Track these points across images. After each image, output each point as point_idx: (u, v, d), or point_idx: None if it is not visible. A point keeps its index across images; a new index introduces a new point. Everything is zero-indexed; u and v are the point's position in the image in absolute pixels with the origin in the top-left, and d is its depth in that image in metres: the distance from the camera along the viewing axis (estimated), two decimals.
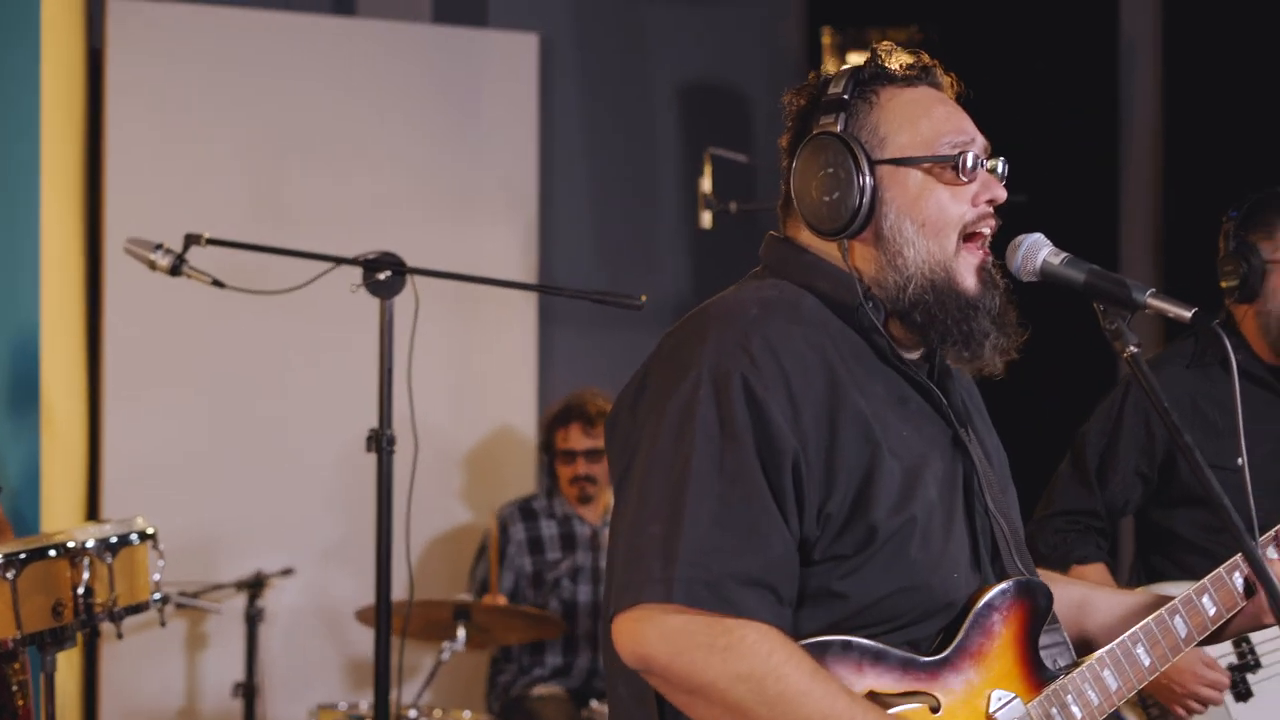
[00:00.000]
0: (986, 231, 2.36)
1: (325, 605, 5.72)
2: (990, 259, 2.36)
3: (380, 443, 3.80)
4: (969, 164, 2.33)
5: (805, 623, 2.24)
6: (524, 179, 6.16)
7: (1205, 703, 3.51)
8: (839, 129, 2.32)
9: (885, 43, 2.41)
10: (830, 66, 6.12)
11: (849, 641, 2.22)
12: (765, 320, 2.27)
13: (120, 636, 3.62)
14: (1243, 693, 3.59)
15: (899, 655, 2.25)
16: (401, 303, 3.82)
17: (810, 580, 2.24)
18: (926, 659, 2.26)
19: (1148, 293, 2.36)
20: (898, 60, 2.39)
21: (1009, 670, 2.32)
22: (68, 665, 5.14)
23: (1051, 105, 6.18)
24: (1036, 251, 2.42)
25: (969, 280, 2.32)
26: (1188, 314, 2.34)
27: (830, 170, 2.31)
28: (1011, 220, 5.52)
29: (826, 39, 6.06)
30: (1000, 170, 2.39)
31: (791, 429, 2.20)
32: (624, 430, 2.32)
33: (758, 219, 5.87)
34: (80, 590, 3.45)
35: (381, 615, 3.79)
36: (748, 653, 2.14)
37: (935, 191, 2.32)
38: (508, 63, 6.12)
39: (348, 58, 5.95)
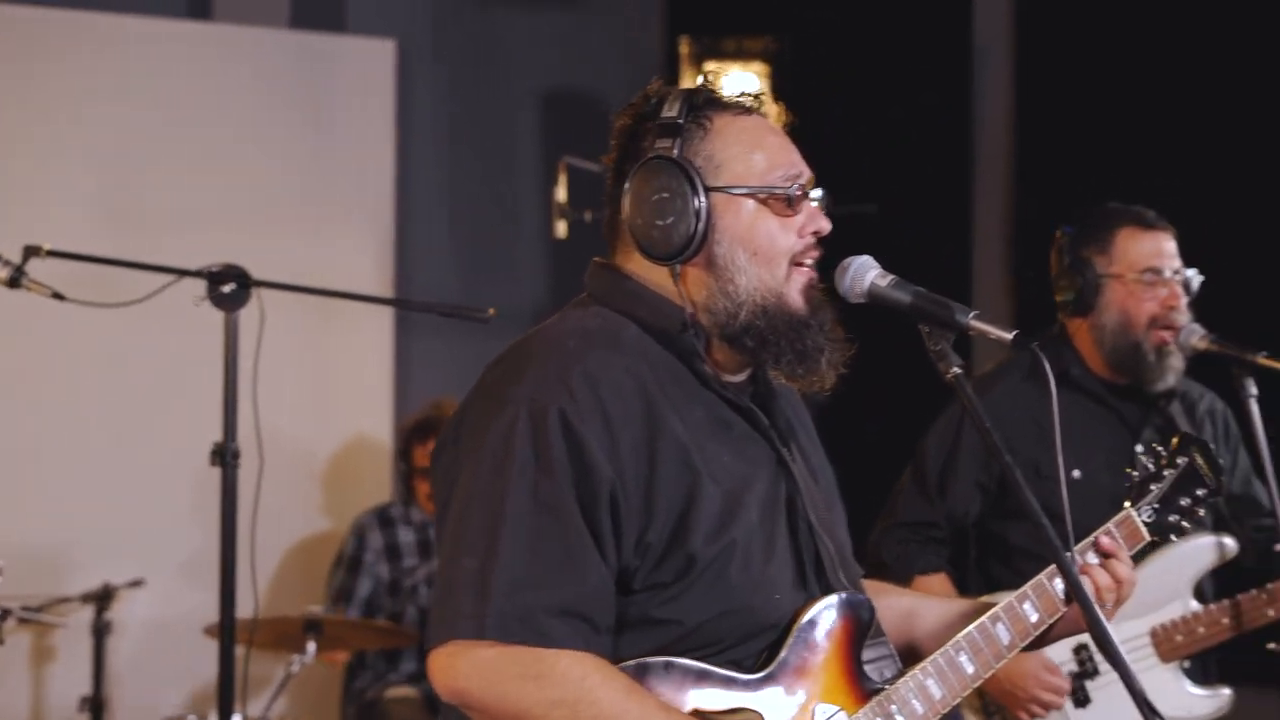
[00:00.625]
0: (810, 261, 2.41)
1: (175, 618, 5.64)
2: (816, 278, 2.41)
3: (224, 456, 3.78)
4: (798, 197, 2.38)
5: (628, 648, 2.27)
6: (380, 187, 6.13)
7: (1046, 707, 3.60)
8: (674, 153, 2.34)
9: (715, 67, 2.45)
10: (687, 75, 6.18)
11: (671, 663, 2.26)
12: (583, 352, 2.30)
13: None
14: (1082, 699, 3.68)
15: (722, 674, 2.28)
16: (253, 314, 3.80)
17: (631, 608, 2.28)
18: (749, 677, 2.30)
19: (970, 315, 2.40)
20: (730, 87, 2.42)
21: (834, 684, 2.36)
22: None
23: (904, 114, 6.25)
24: (864, 273, 2.46)
25: (799, 301, 2.36)
26: (1009, 336, 2.39)
27: (665, 195, 2.33)
28: (862, 229, 5.58)
29: (684, 48, 6.08)
30: (823, 202, 2.44)
31: (609, 461, 2.23)
32: (445, 463, 2.34)
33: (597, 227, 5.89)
34: None
35: (225, 629, 3.75)
36: (560, 679, 2.19)
37: (766, 222, 2.36)
38: (364, 69, 6.08)
39: (202, 64, 5.88)
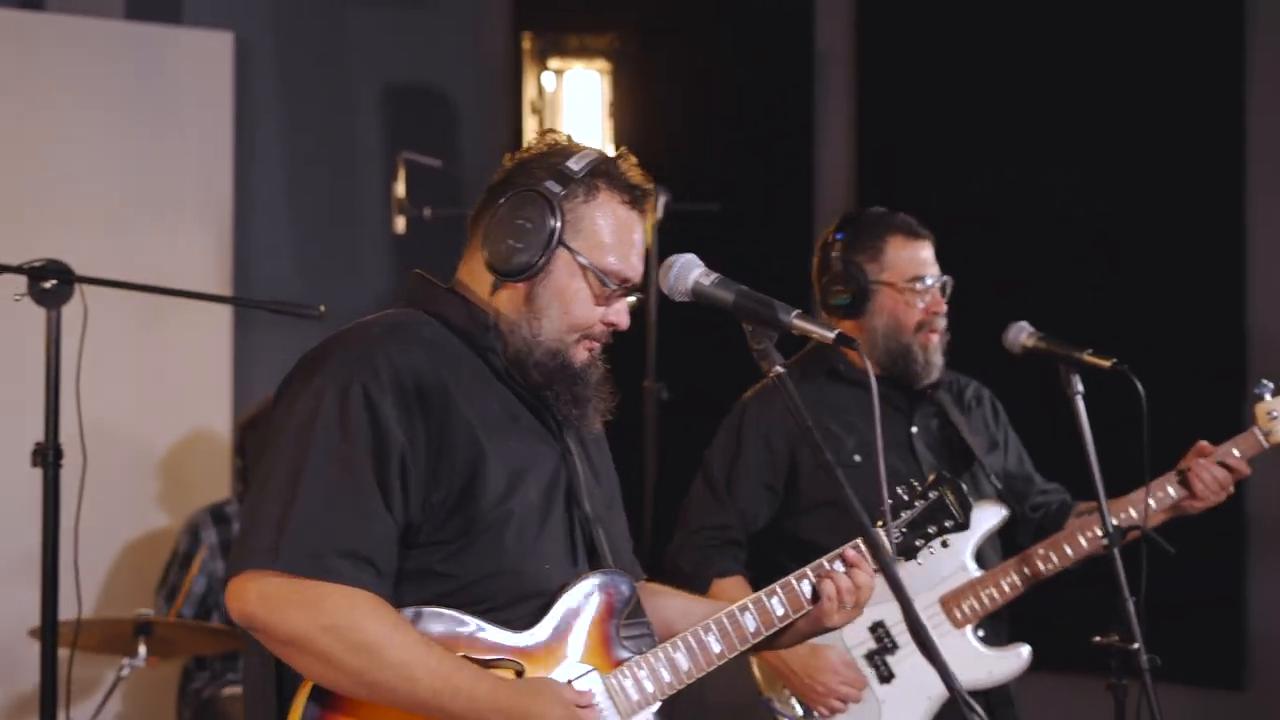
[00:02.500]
0: (598, 343, 2.76)
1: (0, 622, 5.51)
2: (598, 347, 2.77)
3: (46, 456, 3.71)
4: (617, 295, 2.73)
5: (408, 596, 2.58)
6: (218, 182, 6.03)
7: (846, 700, 3.81)
8: (557, 199, 2.67)
9: (627, 155, 2.77)
10: (530, 72, 6.17)
11: (441, 613, 2.58)
12: (387, 339, 2.64)
13: None
14: (885, 675, 3.89)
15: (489, 627, 2.61)
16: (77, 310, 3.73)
17: (414, 560, 2.59)
18: (514, 633, 2.63)
19: (794, 314, 2.52)
20: (630, 176, 2.74)
21: (591, 648, 2.70)
22: None
23: (747, 115, 6.29)
24: (688, 272, 2.62)
25: (579, 360, 2.73)
26: (831, 335, 2.50)
27: (528, 225, 2.67)
28: (705, 228, 5.62)
29: (527, 44, 6.07)
30: (633, 305, 2.78)
31: (402, 431, 2.56)
32: (257, 437, 2.69)
33: (454, 224, 5.85)
34: None
35: (47, 632, 3.68)
36: (333, 608, 2.49)
37: (585, 297, 2.71)
38: (202, 62, 5.99)
39: (34, 54, 5.74)
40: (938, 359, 4.00)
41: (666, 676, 2.74)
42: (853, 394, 3.98)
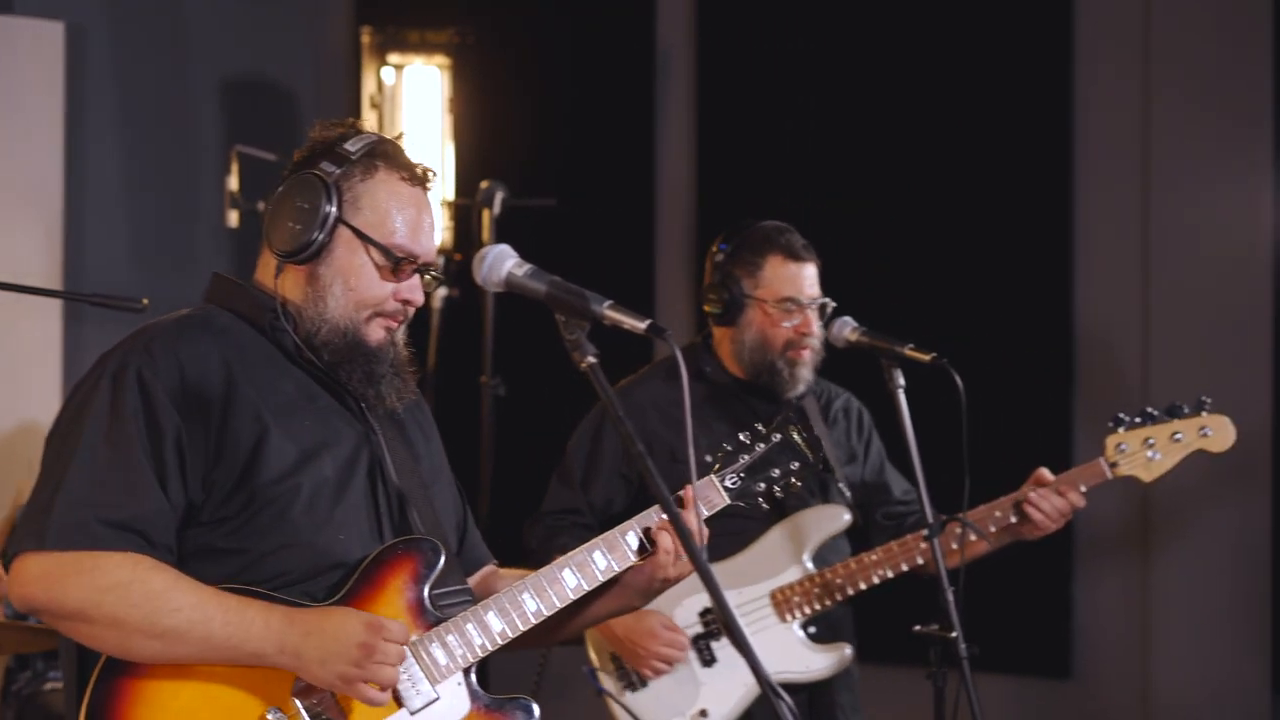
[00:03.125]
0: (398, 320, 2.77)
1: None
2: (398, 325, 2.77)
3: None
4: (405, 272, 2.74)
5: (197, 576, 2.56)
6: (48, 173, 5.91)
7: (667, 661, 3.95)
8: (332, 178, 2.70)
9: (403, 138, 2.79)
10: (370, 66, 6.13)
11: (233, 589, 2.57)
12: (171, 329, 2.68)
13: None
14: (708, 659, 4.02)
15: (285, 600, 2.60)
16: None
17: (199, 538, 2.61)
18: (312, 604, 2.60)
19: (606, 304, 2.55)
20: (408, 157, 2.77)
21: (396, 613, 2.65)
22: None
23: (588, 111, 6.30)
24: (501, 263, 2.63)
25: (373, 338, 2.74)
26: (643, 325, 2.53)
27: (305, 206, 2.70)
28: (545, 223, 5.62)
29: (366, 38, 6.03)
30: (434, 282, 2.80)
31: (179, 410, 2.58)
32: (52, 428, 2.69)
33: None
34: None
35: None
36: (110, 569, 2.50)
37: (370, 273, 2.73)
38: (31, 51, 5.86)
39: None
40: (805, 374, 4.10)
41: (478, 639, 2.70)
42: (714, 395, 4.12)
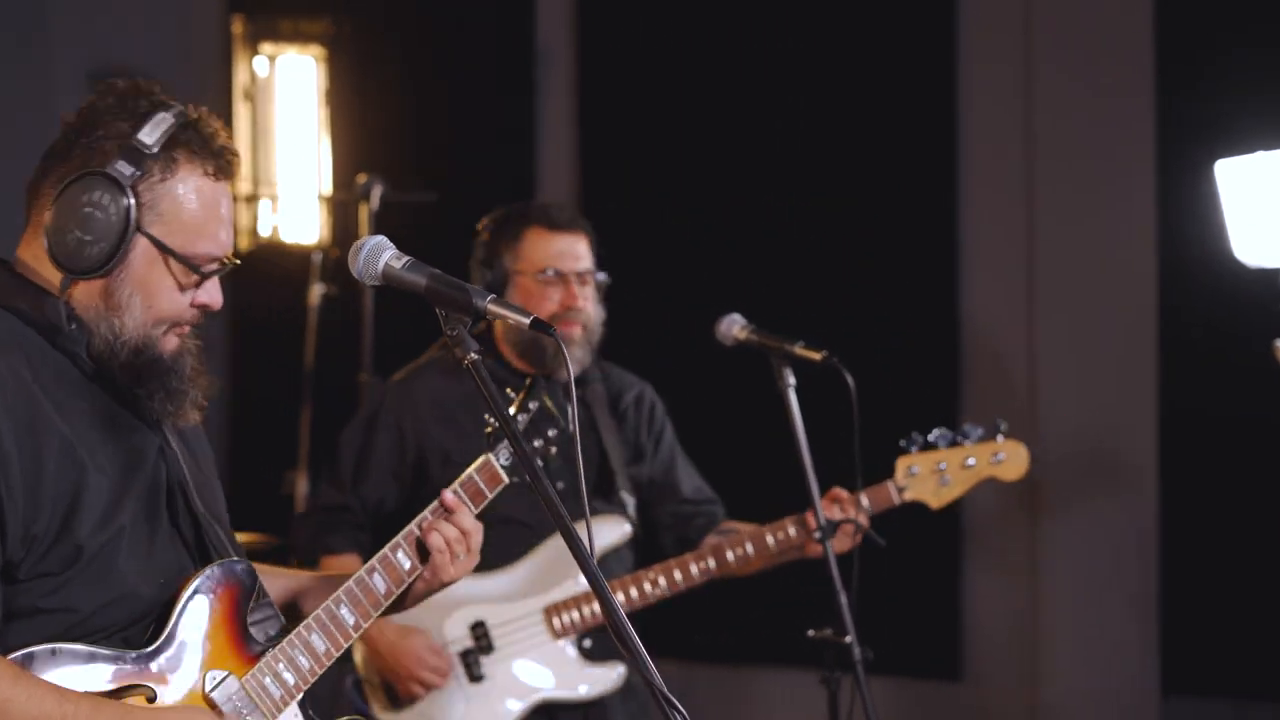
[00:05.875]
0: (190, 327, 2.52)
1: None
2: (189, 331, 2.52)
3: None
4: (204, 278, 2.47)
5: (16, 638, 2.31)
6: None
7: (426, 685, 3.80)
8: (129, 181, 2.38)
9: (208, 115, 2.47)
10: (242, 57, 5.95)
11: (56, 649, 2.31)
12: None
13: None
14: (476, 675, 3.85)
15: (109, 654, 2.35)
16: None
17: (19, 598, 2.32)
18: (138, 654, 2.38)
19: (488, 299, 2.42)
20: (212, 142, 2.45)
21: (221, 649, 2.47)
22: None
23: (468, 104, 6.17)
24: (378, 255, 2.47)
25: (168, 349, 2.47)
26: (526, 320, 2.40)
27: (96, 214, 2.38)
28: (423, 218, 5.49)
29: (238, 28, 5.86)
30: (225, 277, 2.52)
31: None
32: None
33: None
34: None
35: None
36: None
37: (169, 285, 2.44)
38: None
39: None
40: (576, 353, 3.92)
41: (305, 663, 2.55)
42: (504, 387, 3.87)
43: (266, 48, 5.88)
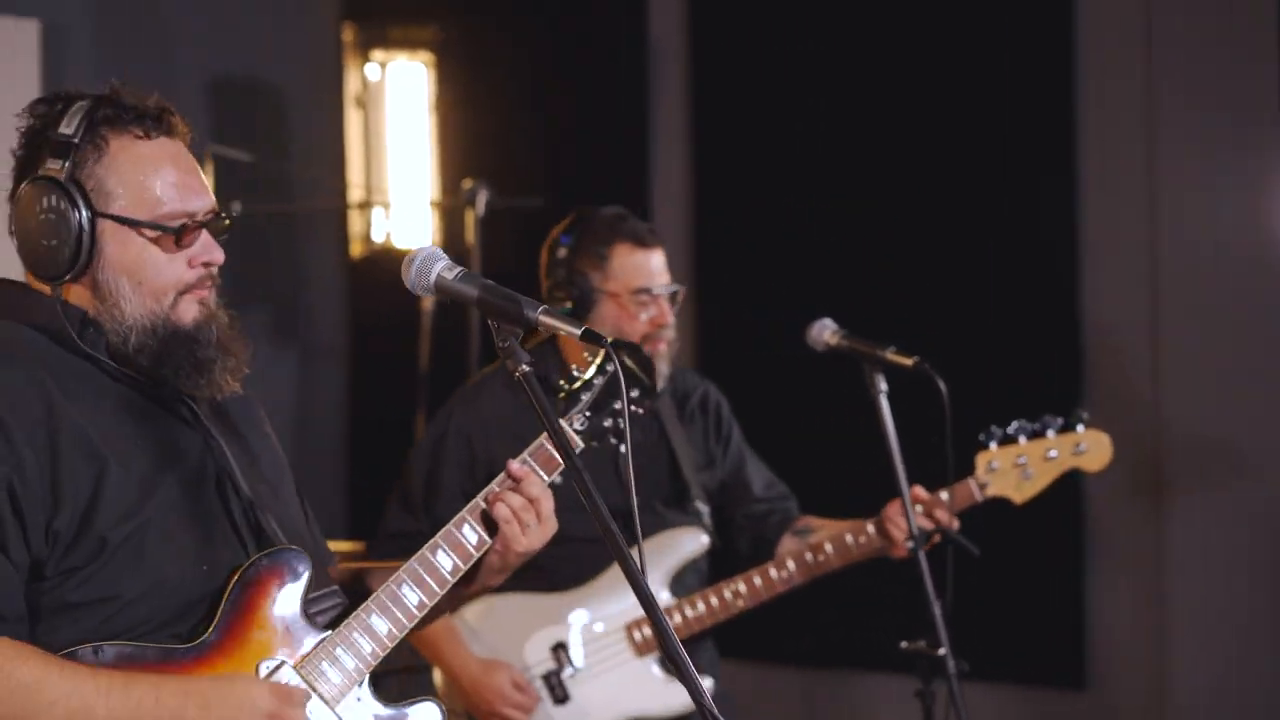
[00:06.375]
0: (207, 287, 2.48)
1: None
2: (210, 294, 2.48)
3: None
4: (189, 232, 2.43)
5: (51, 636, 2.31)
6: None
7: None
8: (64, 174, 2.38)
9: (119, 83, 2.46)
10: (354, 64, 5.98)
11: (99, 647, 2.31)
12: None
13: None
14: (560, 696, 3.82)
15: (157, 649, 2.34)
16: None
17: (47, 596, 2.32)
18: (186, 646, 2.37)
19: (539, 310, 2.39)
20: (134, 106, 2.44)
21: (275, 638, 2.44)
22: None
23: (579, 108, 6.14)
24: (431, 266, 2.45)
25: (188, 316, 2.44)
26: (578, 331, 2.37)
27: (51, 217, 2.38)
28: (531, 223, 5.47)
29: (348, 36, 5.89)
30: (225, 229, 2.50)
31: (5, 459, 2.28)
32: None
33: (260, 220, 5.65)
34: None
35: None
36: None
37: (153, 254, 2.42)
38: (5, 51, 5.72)
39: None
40: (663, 368, 3.91)
41: (366, 645, 2.48)
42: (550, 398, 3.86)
43: (377, 54, 5.90)
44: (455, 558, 2.58)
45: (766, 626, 4.16)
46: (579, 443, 2.67)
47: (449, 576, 2.57)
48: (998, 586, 3.83)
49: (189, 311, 2.45)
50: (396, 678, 3.79)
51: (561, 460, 2.59)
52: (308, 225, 6.40)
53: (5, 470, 2.29)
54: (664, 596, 3.85)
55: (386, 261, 6.01)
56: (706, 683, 3.85)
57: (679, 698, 3.80)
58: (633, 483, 2.37)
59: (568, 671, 3.82)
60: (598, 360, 2.80)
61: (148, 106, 2.45)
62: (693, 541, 3.91)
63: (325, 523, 4.04)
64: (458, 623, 3.83)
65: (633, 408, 2.81)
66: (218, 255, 2.47)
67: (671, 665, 2.28)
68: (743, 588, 3.82)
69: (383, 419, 6.25)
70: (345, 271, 6.43)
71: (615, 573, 3.85)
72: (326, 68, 6.32)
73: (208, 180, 5.21)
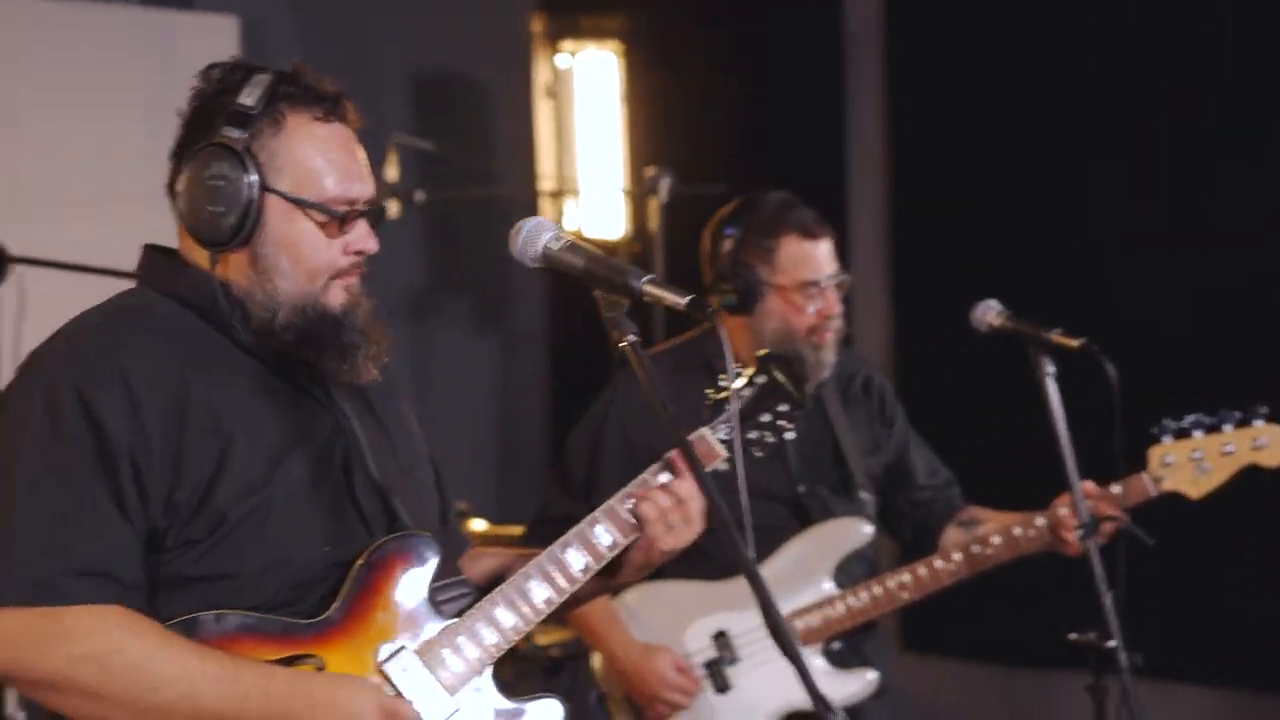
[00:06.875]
0: (356, 275, 2.48)
1: None
2: (357, 282, 2.48)
3: None
4: (350, 219, 2.44)
5: (170, 607, 2.31)
6: None
7: (671, 706, 3.70)
8: (241, 144, 2.39)
9: (304, 65, 2.46)
10: (542, 54, 6.02)
11: (221, 615, 2.32)
12: (107, 328, 2.39)
13: None
14: (721, 685, 3.76)
15: (278, 623, 2.35)
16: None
17: (167, 567, 2.32)
18: (308, 623, 2.36)
19: (645, 279, 2.37)
20: (313, 88, 2.44)
21: (397, 621, 2.42)
22: None
23: (774, 96, 6.10)
24: (538, 236, 2.44)
25: (335, 300, 2.44)
26: (683, 301, 2.34)
27: (221, 183, 2.39)
28: (716, 211, 5.42)
29: (538, 25, 5.94)
30: (382, 220, 2.51)
31: (129, 428, 2.29)
32: None
33: (445, 208, 5.71)
34: None
35: None
36: (84, 635, 2.23)
37: (315, 236, 2.43)
38: (207, 47, 5.86)
39: (46, 41, 5.67)
40: (830, 358, 3.82)
41: (489, 636, 2.45)
42: (697, 385, 3.76)
43: (567, 44, 5.93)
44: (588, 557, 2.55)
45: (935, 619, 4.07)
46: (722, 453, 2.64)
47: (579, 575, 2.54)
48: (1199, 575, 3.69)
49: (337, 296, 2.44)
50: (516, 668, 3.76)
51: (688, 464, 2.46)
52: (502, 214, 6.46)
53: (130, 443, 2.29)
54: (828, 587, 3.80)
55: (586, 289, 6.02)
56: (871, 675, 3.80)
57: (843, 690, 3.78)
58: (746, 501, 2.35)
59: (729, 660, 3.77)
60: (748, 372, 2.74)
61: (326, 89, 2.45)
62: (857, 532, 3.86)
63: (527, 509, 4.05)
64: (618, 605, 3.80)
65: (781, 422, 2.78)
66: (372, 245, 2.47)
67: (782, 652, 2.33)
68: (908, 579, 3.77)
69: (584, 405, 6.28)
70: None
71: (779, 560, 3.81)
72: (517, 58, 6.38)
73: (392, 169, 5.35)
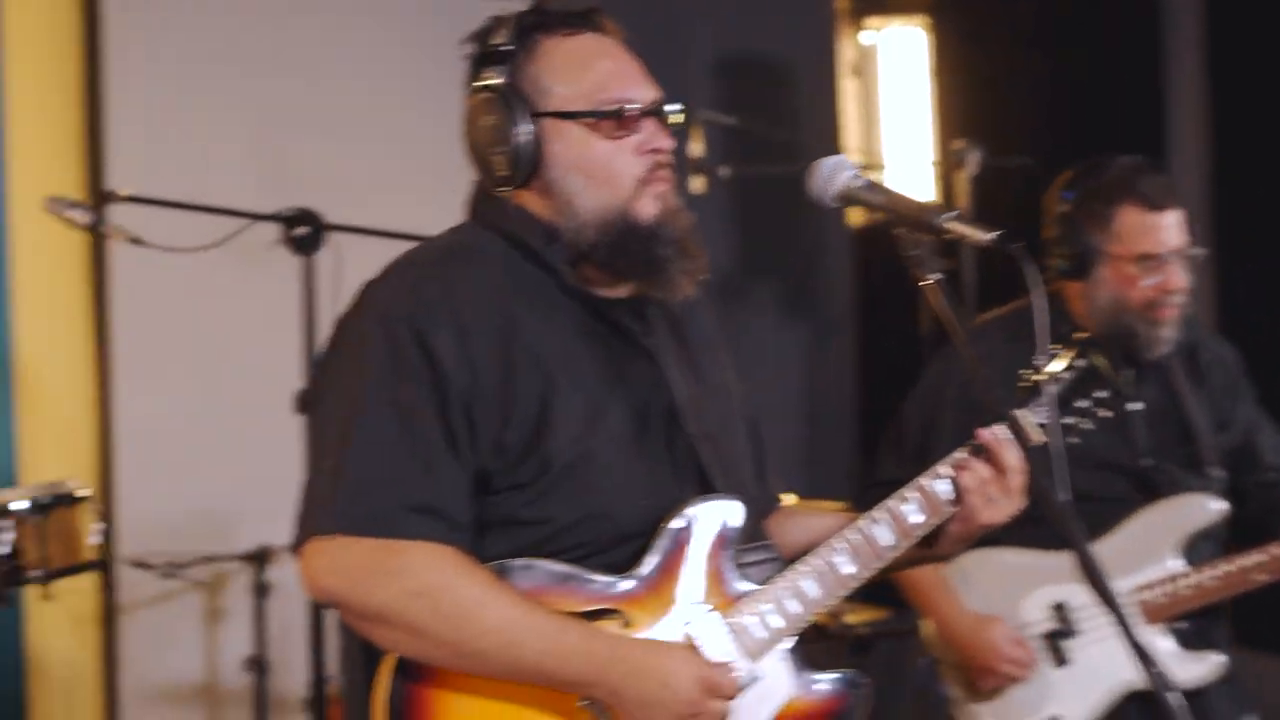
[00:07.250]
0: (663, 180, 2.42)
1: None
2: (669, 189, 2.42)
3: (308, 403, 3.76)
4: (631, 118, 2.38)
5: (491, 548, 2.33)
6: None
7: (1009, 679, 3.61)
8: (500, 81, 2.40)
9: (877, 23, 2.45)
10: (847, 31, 5.99)
11: (532, 564, 2.32)
12: (440, 263, 2.42)
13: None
14: (1060, 659, 3.65)
15: (587, 576, 2.34)
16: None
17: (494, 509, 2.34)
18: (615, 578, 2.35)
19: (949, 215, 2.33)
20: (559, 11, 2.44)
21: (704, 584, 2.39)
22: (81, 640, 5.17)
23: (1088, 67, 5.95)
24: (837, 174, 2.44)
25: (647, 212, 2.40)
26: (988, 237, 2.29)
27: (493, 124, 2.40)
28: (1029, 184, 5.36)
29: (843, 3, 5.93)
30: (673, 116, 2.44)
31: (462, 366, 2.31)
32: (315, 375, 2.52)
33: (750, 187, 5.72)
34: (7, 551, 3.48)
35: None
36: (418, 571, 2.25)
37: (598, 145, 2.39)
38: None
39: (354, 24, 5.83)
40: (1168, 334, 3.68)
41: (795, 607, 2.41)
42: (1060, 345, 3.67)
43: (872, 21, 5.91)
44: (895, 533, 2.50)
45: (1271, 615, 3.91)
46: (1039, 436, 2.56)
47: (887, 552, 2.49)
48: None
49: (648, 206, 2.40)
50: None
51: (1016, 440, 2.49)
52: (808, 198, 6.47)
53: (462, 381, 2.31)
54: (1174, 564, 3.66)
55: (887, 229, 5.98)
56: (1218, 658, 3.66)
57: (1189, 672, 3.64)
58: (1065, 479, 2.36)
59: (1068, 633, 3.66)
60: (1067, 355, 2.64)
61: (573, 9, 2.45)
62: (1205, 509, 3.69)
63: (837, 494, 4.05)
64: (951, 570, 3.72)
65: (1099, 410, 2.72)
66: (664, 141, 2.42)
67: (1122, 633, 2.29)
68: (1264, 558, 3.63)
69: (893, 390, 6.23)
70: (849, 240, 6.46)
71: (1123, 533, 3.68)
72: (822, 35, 6.36)
73: (698, 145, 5.39)
